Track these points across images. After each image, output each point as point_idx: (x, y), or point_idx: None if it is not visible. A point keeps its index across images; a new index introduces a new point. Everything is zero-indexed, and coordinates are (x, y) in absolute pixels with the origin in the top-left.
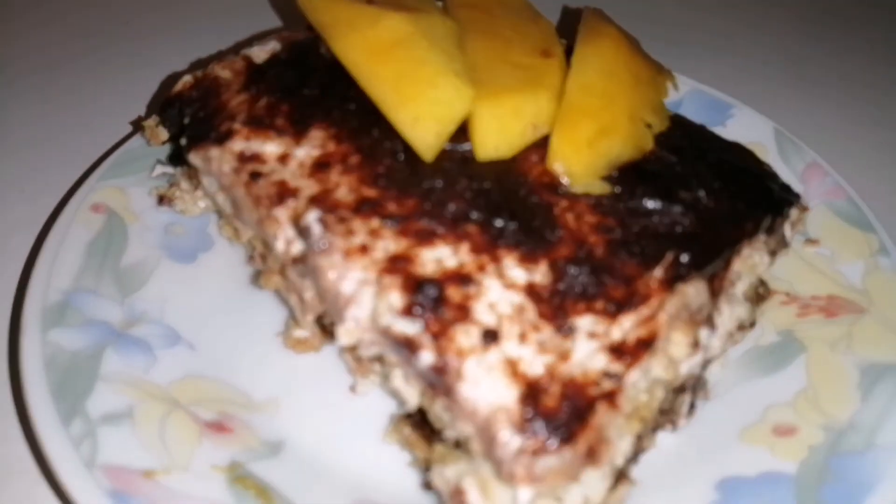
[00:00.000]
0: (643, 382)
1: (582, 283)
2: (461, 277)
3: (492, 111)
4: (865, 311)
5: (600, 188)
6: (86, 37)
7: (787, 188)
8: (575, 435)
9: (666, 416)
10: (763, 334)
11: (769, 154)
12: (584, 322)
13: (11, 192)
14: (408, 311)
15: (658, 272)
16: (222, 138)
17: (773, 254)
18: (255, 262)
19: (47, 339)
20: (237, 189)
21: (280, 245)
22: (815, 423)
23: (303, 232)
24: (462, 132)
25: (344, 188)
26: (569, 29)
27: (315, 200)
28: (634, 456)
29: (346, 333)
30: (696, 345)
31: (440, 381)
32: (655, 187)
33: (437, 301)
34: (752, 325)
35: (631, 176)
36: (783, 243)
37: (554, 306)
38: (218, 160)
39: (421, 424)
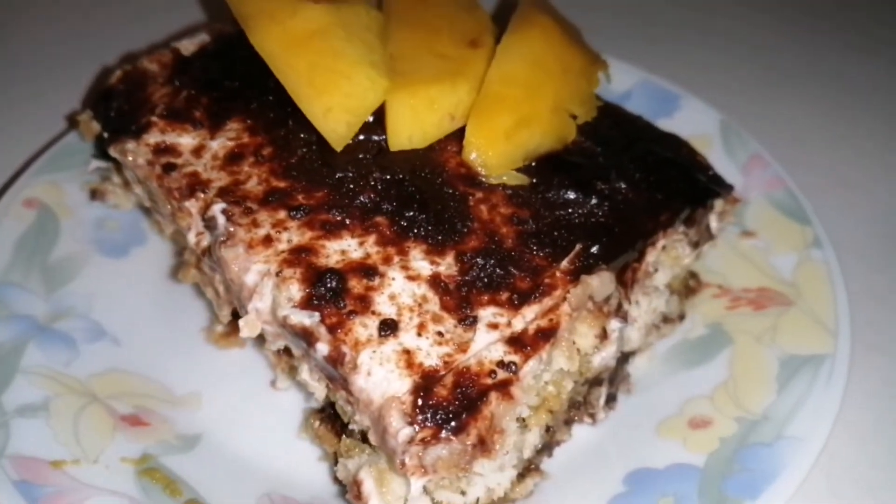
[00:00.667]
0: (547, 374)
1: (488, 274)
2: (365, 269)
3: (406, 101)
4: (793, 304)
5: (516, 179)
6: (24, 30)
7: (716, 179)
8: (465, 425)
9: (580, 409)
10: (693, 327)
11: (714, 145)
12: (487, 313)
13: None
14: (306, 303)
15: (565, 264)
16: (139, 131)
17: (695, 245)
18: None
19: None
20: (151, 182)
21: (191, 237)
22: (731, 415)
23: (209, 223)
24: (380, 123)
25: (254, 180)
26: (508, 18)
27: (223, 192)
28: (547, 448)
29: (248, 325)
30: (604, 336)
31: (336, 372)
32: (573, 178)
33: (336, 292)
34: (682, 318)
35: (550, 167)
36: (708, 235)
37: (458, 298)
38: (134, 153)
39: (332, 419)
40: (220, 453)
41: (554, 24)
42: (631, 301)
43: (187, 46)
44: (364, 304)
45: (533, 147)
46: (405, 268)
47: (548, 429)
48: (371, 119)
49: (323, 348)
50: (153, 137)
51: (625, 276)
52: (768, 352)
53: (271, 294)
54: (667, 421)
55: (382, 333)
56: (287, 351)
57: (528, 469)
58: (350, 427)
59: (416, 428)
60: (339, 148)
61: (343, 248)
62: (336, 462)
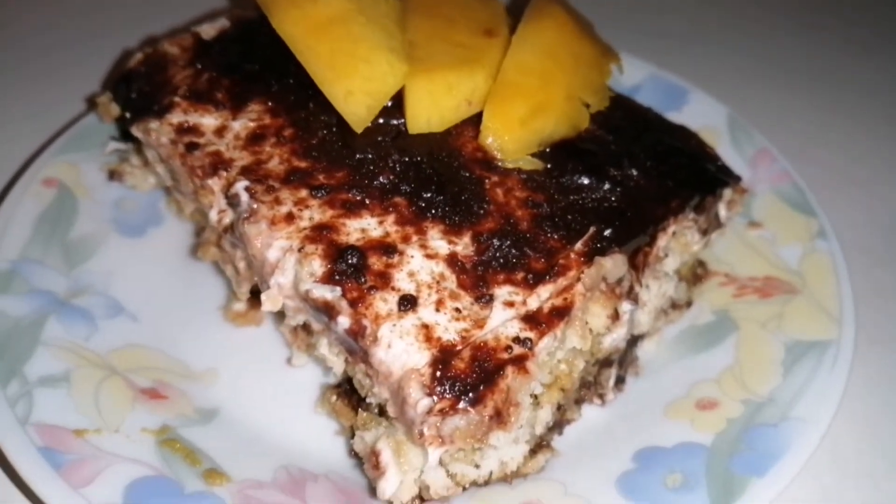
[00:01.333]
0: (560, 353)
1: (504, 254)
2: (384, 247)
3: (424, 86)
4: (798, 292)
5: (531, 164)
6: (42, 13)
7: (724, 169)
8: (483, 397)
9: (591, 388)
10: (700, 314)
11: (722, 139)
12: (503, 292)
13: None
14: (328, 278)
15: (579, 245)
16: (162, 111)
17: (704, 233)
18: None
19: None
20: (174, 160)
21: (213, 215)
22: (737, 397)
23: (232, 201)
24: (399, 108)
25: (276, 159)
26: (522, 10)
27: (246, 171)
28: (558, 426)
29: (270, 299)
30: (616, 317)
31: (357, 345)
32: (587, 164)
33: (357, 268)
34: (689, 304)
35: (564, 153)
36: (717, 223)
37: (475, 276)
38: (157, 132)
39: (349, 394)
40: (237, 427)
41: (567, 16)
42: (642, 284)
43: (208, 31)
44: (384, 279)
45: (547, 133)
46: (423, 247)
47: (559, 407)
48: (390, 103)
49: (344, 321)
50: (176, 117)
51: (636, 259)
52: (774, 337)
53: (293, 269)
54: (674, 403)
55: (402, 308)
56: (304, 328)
57: (539, 445)
58: (367, 401)
59: (435, 399)
60: (359, 130)
61: (363, 227)
62: (353, 436)
